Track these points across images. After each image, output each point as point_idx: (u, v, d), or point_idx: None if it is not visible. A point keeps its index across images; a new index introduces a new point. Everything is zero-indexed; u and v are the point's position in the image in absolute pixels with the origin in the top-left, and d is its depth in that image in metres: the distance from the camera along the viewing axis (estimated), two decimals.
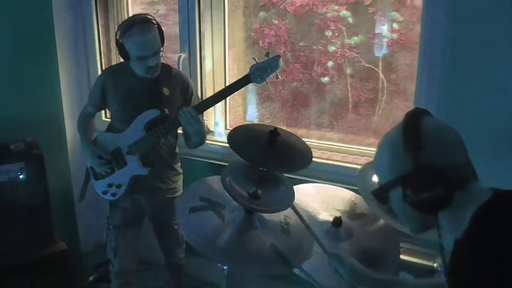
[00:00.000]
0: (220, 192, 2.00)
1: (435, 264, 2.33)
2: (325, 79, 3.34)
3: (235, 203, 1.95)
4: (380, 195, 1.31)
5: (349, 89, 3.31)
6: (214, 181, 2.16)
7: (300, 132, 3.39)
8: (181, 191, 2.83)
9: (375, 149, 2.78)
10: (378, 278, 1.68)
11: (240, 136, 2.13)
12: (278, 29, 3.38)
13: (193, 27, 3.09)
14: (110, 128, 2.75)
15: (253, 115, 3.58)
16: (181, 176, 2.86)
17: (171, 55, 3.73)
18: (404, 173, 1.21)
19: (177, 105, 2.62)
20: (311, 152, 2.23)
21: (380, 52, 3.19)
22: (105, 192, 2.69)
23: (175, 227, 2.82)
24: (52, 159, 2.99)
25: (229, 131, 3.35)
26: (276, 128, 2.11)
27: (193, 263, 3.09)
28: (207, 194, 2.08)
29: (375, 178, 2.09)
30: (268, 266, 1.95)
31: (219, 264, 2.17)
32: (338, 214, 2.18)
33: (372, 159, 2.81)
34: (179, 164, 2.85)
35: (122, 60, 2.64)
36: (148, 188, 2.70)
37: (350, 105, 3.33)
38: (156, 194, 2.75)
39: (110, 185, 2.67)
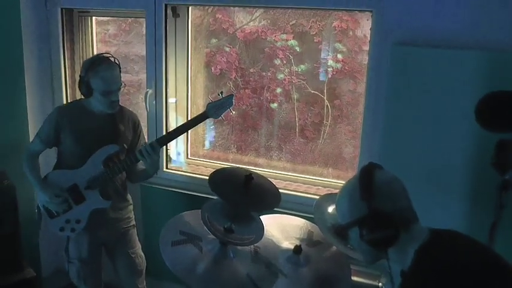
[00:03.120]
0: (198, 226, 2.21)
1: (380, 284, 2.60)
2: (274, 105, 3.53)
3: (211, 236, 2.17)
4: (341, 233, 1.61)
5: (296, 113, 3.51)
6: (191, 216, 2.38)
7: (255, 160, 3.59)
8: (134, 221, 2.95)
9: (325, 179, 2.99)
10: None
11: (219, 179, 2.30)
12: (229, 56, 3.52)
13: (159, 65, 3.20)
14: (59, 165, 2.77)
15: (205, 141, 3.72)
16: (132, 206, 2.96)
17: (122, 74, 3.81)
18: (361, 216, 1.47)
19: (129, 141, 2.77)
20: (279, 194, 2.44)
21: (325, 78, 3.43)
22: (62, 229, 2.70)
23: (133, 256, 2.89)
24: (20, 188, 2.97)
25: (189, 160, 3.50)
26: (250, 173, 2.31)
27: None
28: (186, 229, 2.28)
29: (330, 210, 2.33)
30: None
31: None
32: (298, 242, 2.38)
33: (322, 188, 3.06)
34: (129, 195, 2.95)
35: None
36: (106, 221, 2.77)
37: (297, 129, 3.53)
38: (113, 225, 2.82)
39: (67, 221, 2.69)
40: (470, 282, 1.33)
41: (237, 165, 3.23)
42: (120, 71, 2.67)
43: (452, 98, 2.43)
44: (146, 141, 2.91)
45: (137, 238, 2.95)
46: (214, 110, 2.54)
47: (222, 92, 2.57)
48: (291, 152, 3.53)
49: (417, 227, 1.49)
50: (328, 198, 2.45)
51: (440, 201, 2.50)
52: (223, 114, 2.57)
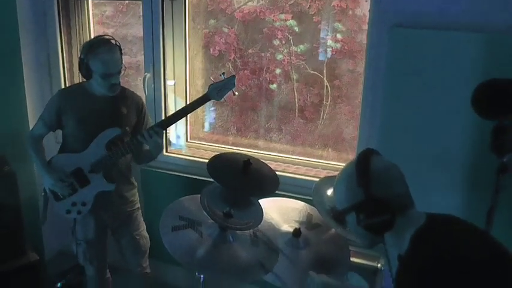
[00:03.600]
0: (197, 211, 2.23)
1: (379, 265, 2.63)
2: (273, 86, 3.51)
3: (211, 220, 2.20)
4: (339, 218, 1.61)
5: (296, 94, 3.50)
6: (191, 201, 2.39)
7: (254, 142, 3.60)
8: (138, 203, 2.98)
9: (324, 161, 2.99)
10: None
11: (217, 165, 2.31)
12: (228, 37, 3.49)
13: (157, 48, 3.19)
14: (63, 149, 2.78)
15: (205, 123, 3.72)
16: (137, 189, 2.98)
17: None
18: (357, 202, 1.50)
19: (133, 123, 2.75)
20: (278, 179, 2.45)
21: (324, 58, 3.41)
22: (68, 211, 2.73)
23: (137, 237, 2.94)
24: (20, 174, 3.00)
25: (189, 143, 3.50)
26: (249, 159, 2.31)
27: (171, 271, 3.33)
28: (186, 214, 2.31)
29: (328, 193, 2.34)
30: (239, 274, 2.23)
31: (197, 273, 2.42)
32: (297, 225, 2.41)
33: (322, 170, 3.08)
34: (134, 178, 2.97)
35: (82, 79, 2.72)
36: (111, 203, 2.79)
37: (296, 110, 3.53)
38: (118, 208, 2.85)
39: (73, 204, 2.71)
40: (466, 267, 1.34)
41: (236, 151, 3.23)
42: (121, 53, 2.63)
43: (451, 81, 2.43)
44: (152, 123, 2.90)
45: (142, 220, 2.98)
46: (216, 92, 2.51)
47: (224, 73, 2.53)
48: (290, 133, 3.53)
49: (413, 213, 1.51)
50: (327, 181, 2.45)
51: (439, 184, 2.52)
52: (226, 95, 2.54)
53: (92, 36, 3.58)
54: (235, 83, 2.53)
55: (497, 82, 1.96)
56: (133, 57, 3.78)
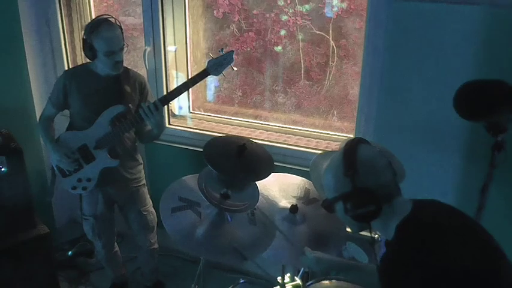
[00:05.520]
0: (196, 191, 2.29)
1: (376, 235, 2.70)
2: (279, 48, 3.47)
3: None
4: (327, 206, 1.66)
5: (301, 55, 3.46)
6: (190, 180, 2.47)
7: (256, 112, 3.62)
8: (144, 180, 3.08)
9: (325, 132, 2.98)
10: (340, 262, 2.09)
11: (213, 150, 2.37)
12: None
13: (156, 21, 3.20)
14: (71, 127, 2.87)
15: (211, 85, 3.73)
16: (142, 165, 3.08)
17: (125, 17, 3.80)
18: (345, 192, 1.54)
19: (135, 102, 2.82)
20: (273, 161, 2.51)
21: (331, 16, 3.33)
22: (74, 188, 2.85)
23: (144, 213, 3.06)
24: (27, 150, 3.09)
25: (192, 114, 3.54)
26: (244, 144, 2.36)
27: None
28: (185, 194, 2.38)
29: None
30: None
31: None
32: (294, 201, 2.49)
33: (322, 141, 3.10)
34: (140, 155, 3.05)
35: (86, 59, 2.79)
36: (116, 179, 2.90)
37: (302, 71, 3.50)
38: (123, 184, 2.95)
39: (79, 180, 2.83)
40: (450, 257, 1.40)
41: (235, 127, 3.35)
42: (122, 31, 2.69)
43: (451, 53, 2.40)
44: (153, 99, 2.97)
45: (148, 196, 3.10)
46: (215, 67, 2.57)
47: (222, 49, 2.58)
48: (296, 96, 3.53)
49: (400, 201, 1.55)
50: (326, 156, 2.48)
51: (435, 154, 2.57)
52: (224, 71, 2.59)
53: (93, 15, 3.64)
54: (233, 58, 2.56)
55: (480, 83, 1.94)
56: (138, 18, 3.75)
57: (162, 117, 2.72)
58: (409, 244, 1.46)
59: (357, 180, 1.50)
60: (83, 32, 2.70)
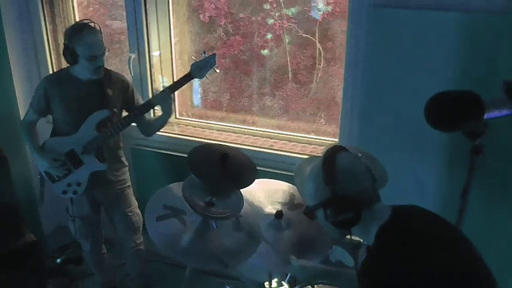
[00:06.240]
0: (181, 199, 2.29)
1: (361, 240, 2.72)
2: (265, 51, 3.47)
3: None
4: (309, 213, 1.68)
5: (288, 58, 3.46)
6: (175, 188, 2.47)
7: (244, 118, 3.63)
8: (129, 182, 3.09)
9: (311, 136, 2.99)
10: (324, 269, 2.10)
11: (197, 158, 2.39)
12: (218, 2, 3.42)
13: (140, 27, 3.21)
14: (55, 133, 2.87)
15: (197, 90, 3.72)
16: (127, 167, 3.08)
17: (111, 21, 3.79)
18: (325, 199, 1.56)
19: (119, 105, 2.83)
20: (256, 169, 2.52)
21: (317, 16, 3.33)
22: (65, 192, 2.86)
23: (129, 214, 3.07)
24: (12, 157, 3.09)
25: (178, 120, 3.55)
26: (226, 152, 2.37)
27: None
28: (170, 202, 2.38)
29: None
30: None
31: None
32: (280, 207, 2.51)
33: (308, 145, 3.11)
34: (125, 157, 3.06)
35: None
36: (102, 182, 2.91)
37: (289, 74, 3.50)
38: (108, 186, 2.97)
39: (69, 185, 2.83)
40: (429, 262, 1.41)
41: (219, 135, 3.39)
42: (102, 36, 2.69)
43: (431, 58, 2.44)
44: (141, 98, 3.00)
45: (133, 198, 3.11)
46: (198, 70, 2.62)
47: (205, 52, 2.63)
48: (283, 98, 3.53)
49: (379, 207, 1.57)
50: (310, 161, 2.49)
51: (417, 156, 2.62)
52: (208, 73, 2.65)
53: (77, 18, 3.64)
54: (216, 61, 2.62)
55: (450, 94, 1.95)
56: (124, 22, 3.73)
57: (172, 101, 2.77)
58: (388, 249, 1.48)
59: (337, 188, 1.53)
60: (63, 37, 2.69)
